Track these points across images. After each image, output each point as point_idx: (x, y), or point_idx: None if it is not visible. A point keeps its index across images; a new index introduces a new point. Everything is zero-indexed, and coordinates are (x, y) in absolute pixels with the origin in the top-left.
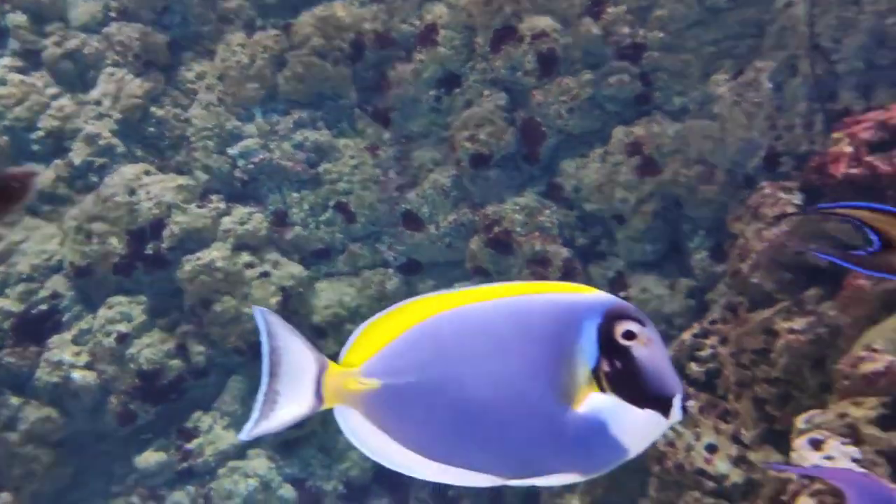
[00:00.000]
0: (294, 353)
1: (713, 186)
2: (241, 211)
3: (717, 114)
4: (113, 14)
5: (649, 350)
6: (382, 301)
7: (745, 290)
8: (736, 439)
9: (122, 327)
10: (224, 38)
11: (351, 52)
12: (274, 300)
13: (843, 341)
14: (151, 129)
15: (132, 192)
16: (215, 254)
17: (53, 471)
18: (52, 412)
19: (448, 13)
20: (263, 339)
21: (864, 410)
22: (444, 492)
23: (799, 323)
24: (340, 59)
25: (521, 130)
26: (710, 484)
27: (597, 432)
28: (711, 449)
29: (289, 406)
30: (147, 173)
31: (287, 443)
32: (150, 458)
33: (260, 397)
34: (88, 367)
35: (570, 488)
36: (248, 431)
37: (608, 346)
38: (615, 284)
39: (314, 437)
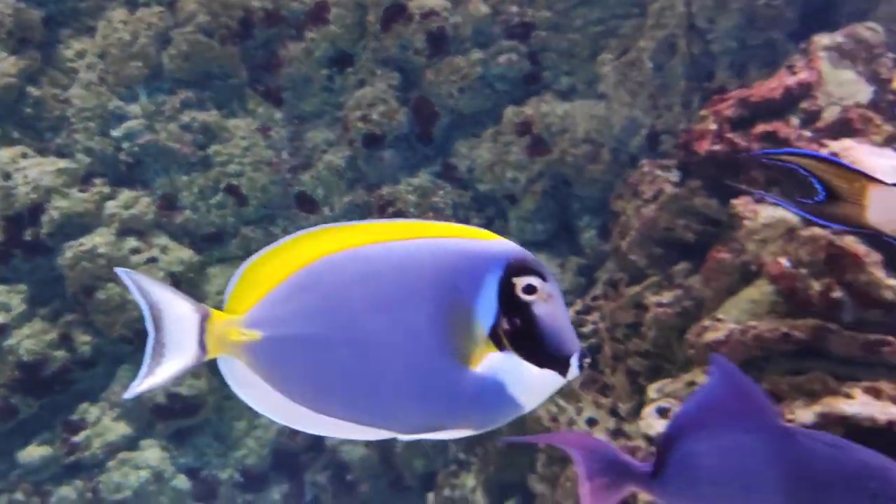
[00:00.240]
0: (173, 305)
1: (599, 165)
2: (126, 195)
3: (603, 93)
4: None
5: (549, 306)
6: None
7: (625, 267)
8: (614, 412)
9: (1, 318)
10: (104, 14)
11: (239, 30)
12: None
13: (706, 313)
14: (28, 111)
15: (7, 176)
16: (98, 239)
17: None
18: None
19: None
20: (137, 297)
21: None
22: (343, 476)
23: (667, 296)
24: (228, 38)
25: (414, 110)
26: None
27: (494, 392)
28: (592, 423)
29: (174, 359)
30: (24, 156)
31: (181, 432)
32: (33, 453)
33: (147, 351)
34: None
35: (464, 467)
36: (134, 388)
37: (508, 301)
38: None
39: (209, 425)
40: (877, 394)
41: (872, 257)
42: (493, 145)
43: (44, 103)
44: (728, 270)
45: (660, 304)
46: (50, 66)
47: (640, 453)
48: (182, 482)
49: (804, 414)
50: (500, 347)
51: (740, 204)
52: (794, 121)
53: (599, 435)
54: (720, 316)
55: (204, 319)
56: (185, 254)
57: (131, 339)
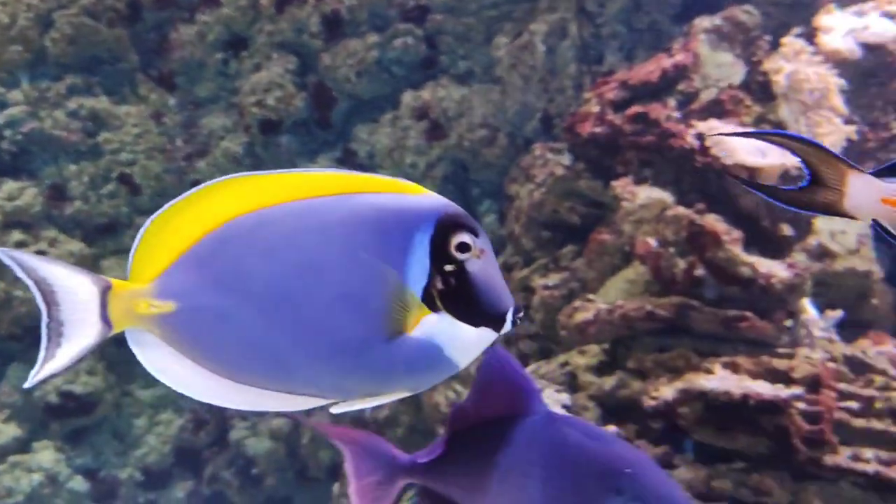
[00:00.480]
0: (66, 279)
1: (496, 150)
2: (10, 185)
3: (498, 77)
4: None
5: (483, 263)
6: None
7: (519, 250)
8: None
9: None
10: None
11: (127, 13)
12: None
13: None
14: None
15: None
16: None
17: None
18: None
19: None
20: (22, 276)
21: (586, 358)
22: (248, 470)
23: (553, 279)
24: (116, 20)
25: (312, 95)
26: None
27: (430, 356)
28: None
29: (75, 338)
30: None
31: (77, 431)
32: None
33: (43, 333)
34: None
35: None
36: (34, 376)
37: (440, 260)
38: None
39: (106, 423)
40: (735, 368)
41: (732, 235)
42: (392, 130)
43: None
44: (609, 252)
45: (546, 287)
46: None
47: None
48: (79, 484)
49: (666, 390)
50: (434, 309)
51: (619, 185)
52: (672, 102)
53: None
54: (590, 297)
55: (105, 291)
56: (76, 246)
57: (20, 336)
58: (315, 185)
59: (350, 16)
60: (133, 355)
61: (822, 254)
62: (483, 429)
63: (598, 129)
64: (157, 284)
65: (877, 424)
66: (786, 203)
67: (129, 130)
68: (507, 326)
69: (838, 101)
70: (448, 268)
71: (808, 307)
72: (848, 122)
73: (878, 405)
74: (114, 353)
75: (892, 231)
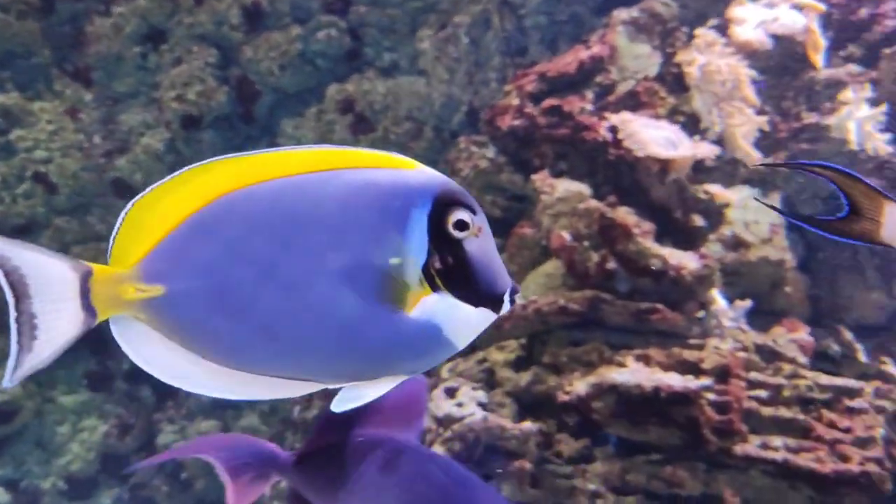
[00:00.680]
0: (40, 266)
1: (422, 143)
2: None
3: (424, 69)
4: None
5: (481, 241)
6: None
7: None
8: (449, 391)
9: None
10: None
11: (40, 5)
12: None
13: None
14: None
15: None
16: None
17: None
18: None
19: None
20: None
21: (504, 354)
22: (177, 474)
23: None
24: (28, 13)
25: (235, 89)
26: (441, 430)
27: (430, 337)
28: None
29: (54, 329)
30: None
31: None
32: None
33: (13, 327)
34: None
35: None
36: (12, 373)
37: (438, 238)
38: None
39: (28, 431)
40: (647, 360)
41: (643, 227)
42: (317, 124)
43: None
44: (529, 246)
45: None
46: None
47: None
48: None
49: (580, 385)
50: (434, 288)
51: (539, 179)
52: (590, 94)
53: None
54: None
55: (86, 278)
56: None
57: None
58: (306, 160)
59: (271, 7)
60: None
61: (737, 244)
62: (358, 442)
63: (517, 122)
64: (141, 267)
65: (785, 412)
66: (824, 231)
67: (43, 127)
68: (506, 307)
69: (750, 92)
70: (445, 246)
71: (717, 298)
72: (760, 112)
73: (787, 393)
74: None
75: None
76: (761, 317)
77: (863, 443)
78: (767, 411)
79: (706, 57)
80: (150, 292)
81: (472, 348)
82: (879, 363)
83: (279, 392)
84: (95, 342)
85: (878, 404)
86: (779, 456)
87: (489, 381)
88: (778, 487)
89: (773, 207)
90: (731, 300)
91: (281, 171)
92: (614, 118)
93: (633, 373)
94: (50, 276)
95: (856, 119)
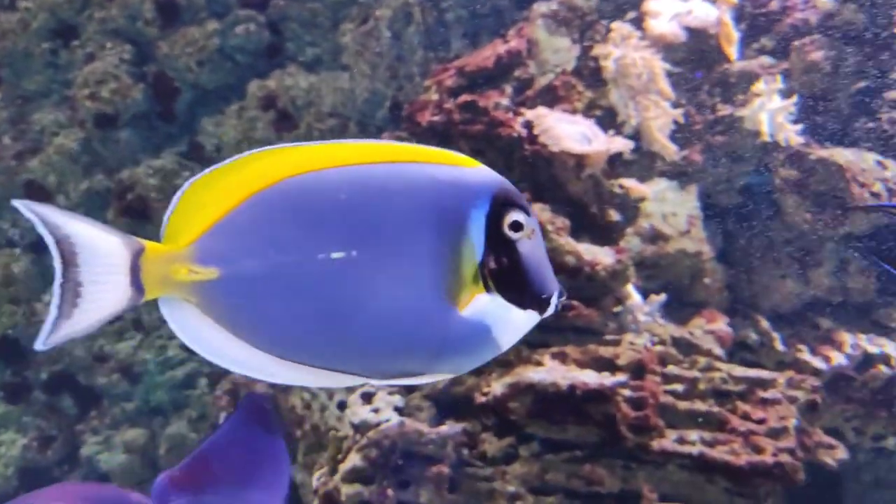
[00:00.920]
0: (92, 238)
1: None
2: None
3: (346, 64)
4: None
5: (532, 244)
6: (9, 287)
7: None
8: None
9: None
10: None
11: None
12: None
13: None
14: None
15: None
16: None
17: None
18: None
19: None
20: (42, 231)
21: None
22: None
23: None
24: None
25: (152, 86)
26: (358, 437)
27: (480, 336)
28: (342, 406)
29: (98, 300)
30: None
31: None
32: None
33: (56, 292)
34: None
35: None
36: (47, 336)
37: (494, 238)
38: None
39: None
40: (563, 358)
41: (557, 223)
42: (239, 122)
43: None
44: None
45: None
46: None
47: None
48: None
49: (496, 385)
50: (486, 287)
51: None
52: (509, 89)
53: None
54: None
55: (137, 255)
56: None
57: None
58: (368, 151)
59: (187, 2)
60: None
61: (656, 236)
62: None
63: (436, 118)
64: (196, 249)
65: (700, 406)
66: None
67: None
68: (551, 310)
69: (665, 85)
70: (500, 246)
71: (632, 293)
72: (676, 105)
73: (702, 386)
74: None
75: None
76: (682, 308)
77: (776, 433)
78: (683, 405)
79: (622, 50)
80: (204, 275)
81: None
82: (795, 351)
83: (323, 381)
84: (11, 352)
85: (790, 394)
86: (695, 450)
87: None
88: (695, 481)
89: (880, 263)
90: (650, 293)
91: (344, 160)
92: (529, 113)
93: (549, 371)
94: (101, 248)
95: (768, 110)
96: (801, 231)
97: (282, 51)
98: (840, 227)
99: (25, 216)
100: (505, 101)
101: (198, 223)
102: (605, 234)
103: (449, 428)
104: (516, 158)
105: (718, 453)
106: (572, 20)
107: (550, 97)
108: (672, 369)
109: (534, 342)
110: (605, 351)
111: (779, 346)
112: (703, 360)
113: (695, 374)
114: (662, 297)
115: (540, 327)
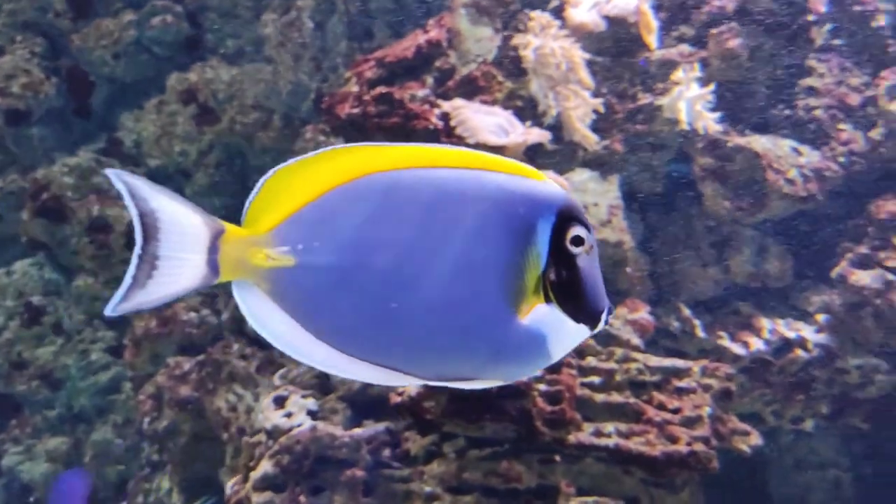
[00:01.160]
0: (176, 214)
1: (271, 133)
2: None
3: (269, 56)
4: None
5: (590, 260)
6: None
7: None
8: (278, 400)
9: None
10: None
11: None
12: None
13: None
14: None
15: None
16: None
17: None
18: None
19: None
20: (128, 202)
21: None
22: (25, 497)
23: None
24: None
25: (66, 80)
26: (270, 443)
27: (536, 346)
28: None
29: (173, 275)
30: None
31: None
32: None
33: (133, 261)
34: None
35: (159, 468)
36: (117, 303)
37: (556, 251)
38: None
39: None
40: None
41: None
42: (158, 116)
43: None
44: None
45: None
46: None
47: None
48: None
49: (411, 386)
50: (546, 299)
51: None
52: (430, 80)
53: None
54: None
55: (217, 235)
56: None
57: None
58: (445, 156)
59: None
60: None
61: None
62: None
63: (354, 110)
64: (275, 234)
65: (617, 397)
66: None
67: None
68: (601, 325)
69: (585, 75)
70: (561, 259)
71: None
72: (596, 94)
73: (618, 378)
74: None
75: None
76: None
77: (691, 422)
78: (600, 397)
79: (541, 40)
80: (280, 262)
81: None
82: (716, 338)
83: (380, 378)
84: None
85: (705, 383)
86: (611, 442)
87: (322, 386)
88: (612, 473)
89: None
90: None
91: (421, 162)
92: (446, 105)
93: None
94: (182, 224)
95: (686, 99)
96: (720, 218)
97: (202, 43)
98: (758, 213)
99: (115, 184)
100: (423, 93)
101: (279, 210)
102: None
103: (364, 430)
104: None
105: (634, 445)
106: (495, 9)
107: (471, 88)
108: (590, 361)
109: None
110: None
111: (700, 333)
112: (619, 352)
113: (611, 365)
114: None
115: None
